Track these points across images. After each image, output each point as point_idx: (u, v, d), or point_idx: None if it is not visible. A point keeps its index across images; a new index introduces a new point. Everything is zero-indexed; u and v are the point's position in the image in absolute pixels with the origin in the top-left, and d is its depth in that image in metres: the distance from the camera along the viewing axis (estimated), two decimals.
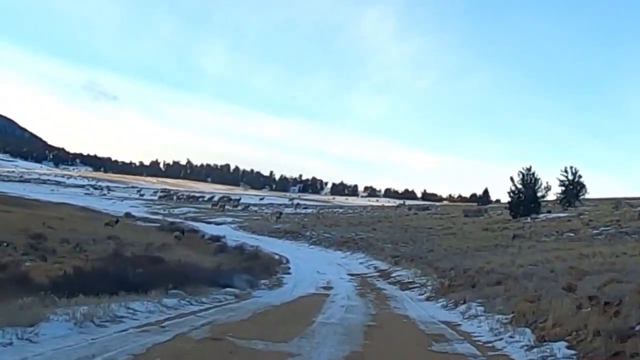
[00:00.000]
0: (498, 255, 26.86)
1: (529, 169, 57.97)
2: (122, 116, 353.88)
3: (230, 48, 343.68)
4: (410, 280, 24.00)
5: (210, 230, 53.06)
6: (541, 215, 53.96)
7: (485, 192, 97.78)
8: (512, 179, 57.68)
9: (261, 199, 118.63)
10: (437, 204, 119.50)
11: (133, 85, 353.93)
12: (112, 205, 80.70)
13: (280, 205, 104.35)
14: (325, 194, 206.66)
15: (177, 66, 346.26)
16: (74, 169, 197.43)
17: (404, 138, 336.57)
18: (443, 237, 43.26)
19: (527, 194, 57.11)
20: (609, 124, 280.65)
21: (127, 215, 63.83)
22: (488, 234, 42.54)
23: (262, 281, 21.15)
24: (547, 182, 57.93)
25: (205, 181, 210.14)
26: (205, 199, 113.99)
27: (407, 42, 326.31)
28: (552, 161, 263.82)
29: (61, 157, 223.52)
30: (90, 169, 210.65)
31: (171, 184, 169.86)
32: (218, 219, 68.65)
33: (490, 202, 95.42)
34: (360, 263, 34.94)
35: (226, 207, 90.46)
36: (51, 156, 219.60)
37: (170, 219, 63.79)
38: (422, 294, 19.98)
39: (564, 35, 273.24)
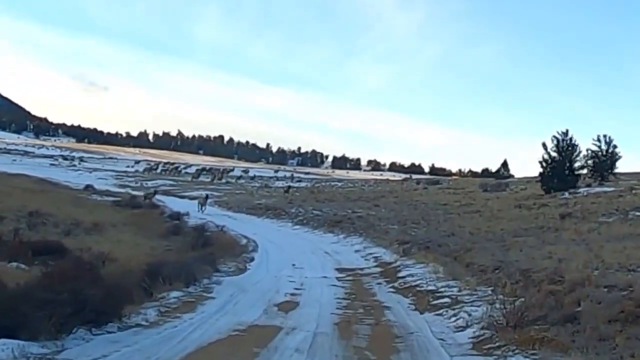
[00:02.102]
0: (559, 245, 18.68)
1: (565, 133, 49.34)
2: (110, 85, 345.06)
3: (224, 13, 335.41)
4: (432, 286, 15.46)
5: (179, 205, 45.04)
6: (581, 190, 45.60)
7: (505, 164, 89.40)
8: (544, 145, 49.01)
9: (244, 171, 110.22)
10: (448, 178, 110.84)
11: (121, 52, 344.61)
12: (77, 177, 73.03)
13: (270, 177, 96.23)
14: (326, 168, 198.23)
15: (168, 32, 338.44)
16: (55, 140, 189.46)
17: (409, 111, 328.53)
18: (464, 215, 34.79)
19: (562, 163, 48.67)
20: (629, 98, 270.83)
21: (87, 187, 56.69)
22: (523, 213, 34.08)
23: (174, 294, 12.48)
24: (588, 151, 49.50)
25: (197, 153, 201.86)
26: (193, 171, 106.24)
27: (412, 9, 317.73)
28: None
29: (43, 128, 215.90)
30: (73, 139, 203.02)
31: (156, 155, 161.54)
32: (194, 193, 60.47)
33: (509, 176, 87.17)
34: (356, 251, 26.49)
35: (214, 180, 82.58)
36: (32, 126, 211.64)
37: (136, 193, 56.13)
38: (464, 328, 11.05)
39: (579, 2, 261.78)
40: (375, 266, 21.74)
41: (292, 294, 14.50)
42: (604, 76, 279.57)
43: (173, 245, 23.96)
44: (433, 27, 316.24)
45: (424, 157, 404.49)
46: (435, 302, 13.43)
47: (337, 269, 21.06)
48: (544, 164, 48.78)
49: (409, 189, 69.78)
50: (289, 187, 70.37)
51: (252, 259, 21.94)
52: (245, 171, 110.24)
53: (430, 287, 15.27)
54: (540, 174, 49.46)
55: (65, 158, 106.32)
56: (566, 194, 44.33)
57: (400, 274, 18.36)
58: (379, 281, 17.94)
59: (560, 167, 48.22)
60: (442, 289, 14.60)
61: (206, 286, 14.05)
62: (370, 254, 25.18)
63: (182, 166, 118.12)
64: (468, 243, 22.88)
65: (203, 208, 43.23)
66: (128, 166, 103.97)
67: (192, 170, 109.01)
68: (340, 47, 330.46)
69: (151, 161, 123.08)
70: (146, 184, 73.06)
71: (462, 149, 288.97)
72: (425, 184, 78.96)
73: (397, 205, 44.20)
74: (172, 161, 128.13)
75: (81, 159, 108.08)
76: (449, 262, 18.73)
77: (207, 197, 48.00)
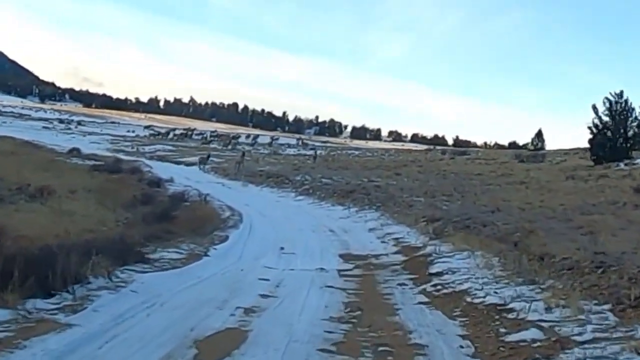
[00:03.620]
0: None
1: (619, 95, 43.02)
2: (120, 49, 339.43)
3: None
4: (493, 294, 9.38)
5: (169, 171, 39.58)
6: (639, 161, 39.58)
7: (539, 134, 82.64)
8: (594, 108, 42.88)
9: (255, 138, 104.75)
10: (475, 149, 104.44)
11: (131, 16, 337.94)
12: (68, 140, 68.17)
13: (281, 145, 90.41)
14: (344, 138, 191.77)
15: None
16: (61, 104, 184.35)
17: (430, 81, 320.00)
18: (507, 187, 28.86)
19: (616, 130, 42.46)
20: None
21: (71, 151, 51.85)
22: (580, 185, 28.28)
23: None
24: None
25: (209, 120, 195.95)
26: (206, 137, 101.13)
27: None
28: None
29: (49, 92, 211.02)
30: (80, 104, 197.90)
31: (164, 120, 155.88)
32: (192, 159, 54.97)
33: (542, 147, 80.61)
34: (371, 230, 20.60)
35: (224, 146, 77.29)
36: (37, 91, 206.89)
37: (126, 157, 51.06)
38: None
39: None
40: (396, 252, 15.82)
41: (249, 311, 8.53)
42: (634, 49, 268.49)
43: (133, 218, 18.56)
44: None
45: (446, 130, 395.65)
46: (513, 336, 7.39)
47: (343, 256, 15.23)
48: (594, 130, 42.69)
49: (433, 159, 63.79)
50: (315, 153, 66.13)
51: (226, 239, 16.16)
52: (256, 137, 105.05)
53: (490, 297, 9.27)
54: (589, 141, 43.36)
55: (61, 121, 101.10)
56: (621, 165, 38.43)
57: (434, 268, 12.41)
58: (402, 280, 11.96)
59: (614, 133, 42.16)
60: (514, 303, 8.64)
61: (83, 297, 8.11)
62: (389, 234, 19.28)
63: (193, 132, 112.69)
64: (524, 222, 17.11)
65: (202, 167, 44.48)
66: (128, 131, 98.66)
67: (200, 137, 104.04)
68: (358, 15, 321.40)
69: (156, 126, 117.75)
70: (143, 148, 67.58)
71: (486, 122, 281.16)
72: (452, 154, 73.18)
73: (422, 174, 38.17)
74: (180, 127, 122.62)
75: (79, 123, 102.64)
76: (506, 250, 12.84)
77: (208, 156, 49.46)
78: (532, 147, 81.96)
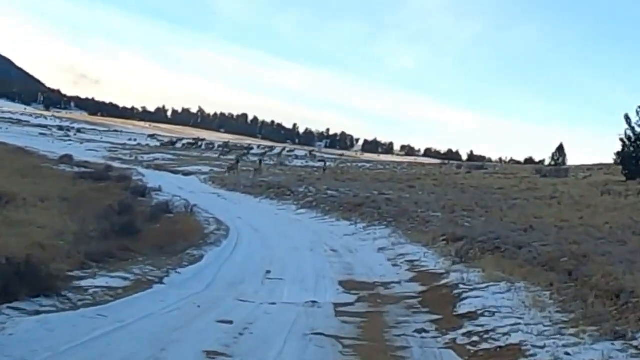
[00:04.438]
0: None
1: None
2: (126, 58, 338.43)
3: None
4: None
5: (164, 180, 36.80)
6: None
7: (560, 149, 79.20)
8: (627, 118, 39.73)
9: (270, 149, 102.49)
10: (492, 164, 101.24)
11: (138, 23, 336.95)
12: (64, 147, 65.43)
13: (288, 156, 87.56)
14: (356, 151, 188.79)
15: (188, 3, 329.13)
16: (66, 112, 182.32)
17: (443, 95, 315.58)
18: (536, 203, 25.72)
19: None
20: None
21: (63, 157, 49.38)
22: (621, 201, 25.12)
23: None
24: None
25: (217, 130, 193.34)
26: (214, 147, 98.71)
27: None
28: (612, 128, 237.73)
29: (54, 100, 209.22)
30: (86, 112, 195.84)
31: (169, 130, 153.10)
32: (190, 168, 52.30)
33: (564, 163, 77.33)
34: (380, 250, 17.56)
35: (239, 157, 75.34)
36: (42, 98, 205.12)
37: (120, 165, 48.50)
38: None
39: None
40: (411, 280, 12.76)
41: None
42: None
43: (100, 230, 15.63)
44: (468, 5, 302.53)
45: (460, 144, 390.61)
46: None
47: (344, 284, 12.19)
48: (627, 142, 39.55)
49: (449, 172, 60.59)
50: (325, 163, 65.05)
51: (199, 259, 13.16)
52: (272, 149, 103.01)
53: None
54: (619, 153, 40.28)
55: (61, 128, 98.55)
56: None
57: (464, 306, 9.35)
58: (421, 322, 8.85)
59: None
60: None
61: None
62: (402, 255, 16.25)
63: (202, 142, 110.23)
64: (567, 244, 14.05)
65: (230, 173, 44.39)
66: (130, 139, 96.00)
67: (212, 147, 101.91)
68: (370, 24, 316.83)
69: (161, 136, 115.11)
70: (142, 157, 64.81)
71: (501, 137, 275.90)
72: (468, 168, 70.11)
73: (438, 187, 35.02)
74: (187, 137, 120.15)
75: (79, 130, 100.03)
76: (559, 282, 9.77)
77: (237, 162, 50.99)
78: (552, 162, 78.68)
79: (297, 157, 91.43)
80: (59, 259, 10.14)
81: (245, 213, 25.11)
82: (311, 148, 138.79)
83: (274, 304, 9.68)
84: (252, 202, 31.29)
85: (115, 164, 50.11)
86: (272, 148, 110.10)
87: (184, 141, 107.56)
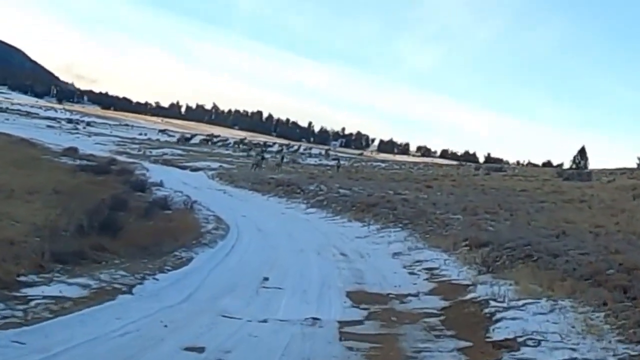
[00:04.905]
0: None
1: None
2: (143, 54, 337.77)
3: None
4: None
5: (167, 175, 35.46)
6: None
7: (582, 152, 77.01)
8: None
9: (287, 146, 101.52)
10: (511, 166, 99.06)
11: (155, 18, 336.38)
12: (71, 140, 64.39)
13: (301, 154, 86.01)
14: (371, 151, 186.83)
15: None
16: (79, 106, 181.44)
17: (462, 95, 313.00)
18: (565, 206, 23.94)
19: None
20: None
21: (68, 150, 48.08)
22: None
23: None
24: None
25: (231, 127, 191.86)
26: (230, 144, 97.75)
27: None
28: (632, 132, 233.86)
29: (67, 93, 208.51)
30: (98, 107, 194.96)
31: (181, 125, 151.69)
32: (199, 164, 50.81)
33: (585, 167, 75.21)
34: (395, 255, 15.87)
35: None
36: (55, 91, 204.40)
37: (125, 159, 47.15)
38: None
39: None
40: (431, 292, 11.07)
41: None
42: None
43: (76, 226, 14.10)
44: (489, 5, 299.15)
45: (478, 146, 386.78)
46: None
47: (352, 295, 10.53)
48: None
49: (467, 173, 58.73)
50: (339, 162, 62.70)
51: (187, 262, 11.51)
52: (289, 147, 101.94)
53: None
54: None
55: (70, 121, 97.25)
56: None
57: (500, 330, 7.63)
58: (447, 352, 7.14)
59: None
60: None
61: None
62: (420, 261, 14.55)
63: (216, 138, 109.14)
64: (609, 252, 12.42)
65: (255, 169, 43.91)
66: (140, 134, 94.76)
67: (229, 143, 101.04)
68: (388, 22, 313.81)
69: (172, 131, 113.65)
70: (150, 151, 63.33)
71: (519, 139, 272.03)
72: (486, 170, 68.18)
73: (457, 188, 33.20)
74: (201, 133, 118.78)
75: (88, 124, 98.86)
76: (613, 300, 8.04)
77: (263, 158, 50.53)
78: (574, 166, 76.58)
79: (310, 155, 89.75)
80: (23, 259, 8.57)
81: (250, 211, 23.50)
82: (327, 147, 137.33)
83: (264, 321, 8.00)
84: (259, 199, 29.65)
85: (122, 158, 48.71)
86: (288, 145, 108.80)
87: (199, 137, 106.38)
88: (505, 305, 8.78)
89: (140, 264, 10.56)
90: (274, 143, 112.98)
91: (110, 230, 12.50)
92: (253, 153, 68.81)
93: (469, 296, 10.05)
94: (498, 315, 8.31)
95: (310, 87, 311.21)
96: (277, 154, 71.07)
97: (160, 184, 28.08)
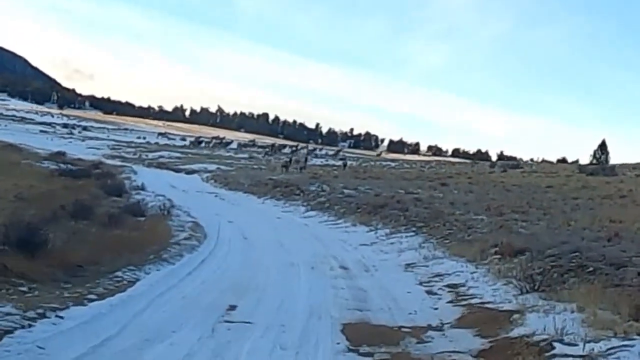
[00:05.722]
0: None
1: None
2: (145, 57, 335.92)
3: None
4: None
5: (156, 179, 32.96)
6: None
7: (602, 146, 73.78)
8: None
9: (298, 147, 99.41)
10: (528, 163, 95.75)
11: (157, 21, 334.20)
12: (63, 145, 62.11)
13: (308, 154, 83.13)
14: (381, 151, 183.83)
15: (209, 1, 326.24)
16: (80, 112, 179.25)
17: (472, 94, 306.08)
18: (604, 203, 20.95)
19: None
20: None
21: (56, 154, 45.78)
22: None
23: None
24: None
25: (236, 130, 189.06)
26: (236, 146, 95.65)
27: None
28: None
29: (69, 99, 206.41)
30: (100, 112, 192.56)
31: (184, 129, 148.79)
32: (195, 166, 48.16)
33: (607, 161, 72.06)
34: (407, 267, 13.00)
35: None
36: (56, 97, 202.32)
37: (114, 162, 44.99)
38: None
39: None
40: (460, 323, 8.17)
41: None
42: None
43: None
44: (495, 2, 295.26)
45: (487, 145, 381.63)
46: None
47: (349, 331, 7.65)
48: None
49: (482, 171, 55.68)
50: (345, 162, 61.60)
51: (126, 286, 8.62)
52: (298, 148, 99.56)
53: None
54: None
55: (65, 126, 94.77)
56: None
57: None
58: None
59: None
60: None
61: None
62: (440, 276, 11.64)
63: (223, 140, 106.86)
64: None
65: (285, 170, 42.03)
66: (139, 137, 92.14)
67: (234, 145, 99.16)
68: (394, 22, 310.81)
69: (173, 134, 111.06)
70: (146, 155, 60.75)
71: (531, 137, 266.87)
72: (502, 167, 65.10)
73: (475, 186, 30.19)
74: (205, 136, 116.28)
75: (84, 128, 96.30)
76: None
77: (291, 160, 49.73)
78: (594, 160, 73.44)
79: (316, 156, 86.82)
80: None
81: (240, 216, 20.64)
82: (337, 148, 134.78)
83: None
84: (253, 203, 26.76)
85: (112, 162, 46.41)
86: (296, 147, 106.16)
87: (205, 139, 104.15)
88: (581, 351, 5.80)
89: (56, 291, 7.75)
90: (284, 145, 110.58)
91: (31, 246, 9.57)
92: (274, 155, 67.60)
93: (516, 331, 7.11)
94: None
95: (317, 89, 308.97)
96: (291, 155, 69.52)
97: (142, 188, 25.36)
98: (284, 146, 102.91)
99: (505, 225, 16.06)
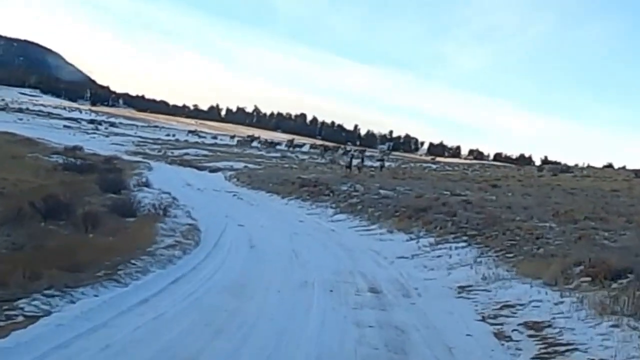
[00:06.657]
0: None
1: None
2: (181, 55, 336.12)
3: None
4: None
5: (176, 176, 31.27)
6: None
7: None
8: None
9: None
10: (577, 167, 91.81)
11: (194, 20, 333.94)
12: (85, 140, 60.68)
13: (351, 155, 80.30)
14: (421, 155, 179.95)
15: (247, 1, 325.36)
16: (113, 109, 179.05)
17: (513, 97, 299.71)
18: None
19: None
20: None
21: (73, 149, 43.79)
22: None
23: None
24: None
25: (273, 130, 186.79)
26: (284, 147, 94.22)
27: None
28: None
29: (103, 96, 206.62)
30: (133, 109, 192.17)
31: (217, 128, 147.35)
32: (221, 164, 45.68)
33: None
34: (461, 291, 9.64)
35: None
36: (89, 94, 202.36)
37: (131, 158, 43.53)
38: None
39: None
40: None
41: None
42: None
43: None
44: (536, 3, 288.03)
45: (528, 149, 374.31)
46: None
47: None
48: None
49: (530, 175, 52.03)
50: (383, 160, 60.27)
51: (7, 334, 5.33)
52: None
53: None
54: None
55: (92, 122, 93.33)
56: None
57: None
58: None
59: None
60: None
61: None
62: (510, 307, 8.35)
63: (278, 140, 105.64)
64: None
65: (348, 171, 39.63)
66: (167, 134, 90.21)
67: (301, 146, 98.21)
68: (433, 22, 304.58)
69: (204, 132, 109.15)
70: (172, 152, 58.54)
71: (574, 142, 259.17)
72: (551, 171, 61.44)
73: (530, 188, 26.69)
74: (238, 135, 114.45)
75: (112, 124, 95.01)
76: None
77: (352, 157, 47.93)
78: None
79: (354, 156, 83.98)
80: None
81: (255, 219, 17.54)
82: (384, 149, 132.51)
83: None
84: (275, 203, 23.66)
85: (132, 158, 44.27)
86: (362, 149, 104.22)
87: (259, 139, 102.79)
88: None
89: None
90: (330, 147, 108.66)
91: None
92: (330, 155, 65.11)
93: None
94: None
95: (354, 89, 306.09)
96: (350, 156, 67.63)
97: (146, 184, 22.49)
98: (327, 147, 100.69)
99: (585, 237, 12.67)
